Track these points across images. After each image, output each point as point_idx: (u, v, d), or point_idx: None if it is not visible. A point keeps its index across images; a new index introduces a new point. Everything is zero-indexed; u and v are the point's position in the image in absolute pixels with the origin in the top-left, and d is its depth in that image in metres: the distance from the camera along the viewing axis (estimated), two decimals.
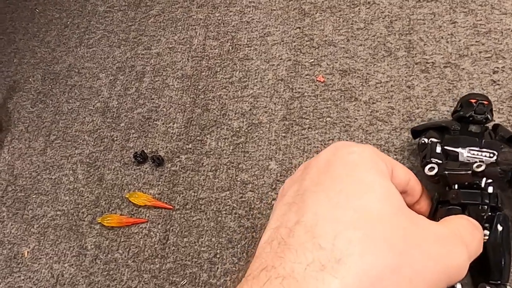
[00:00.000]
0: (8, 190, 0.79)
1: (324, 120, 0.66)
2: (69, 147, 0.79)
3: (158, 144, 0.73)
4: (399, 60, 0.66)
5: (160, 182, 0.70)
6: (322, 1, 0.75)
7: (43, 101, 0.87)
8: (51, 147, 0.81)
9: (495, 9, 0.65)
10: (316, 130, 0.65)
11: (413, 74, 0.65)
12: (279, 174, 0.64)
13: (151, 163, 0.71)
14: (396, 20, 0.69)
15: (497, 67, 0.61)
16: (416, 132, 0.52)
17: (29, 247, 0.72)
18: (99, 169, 0.75)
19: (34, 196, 0.77)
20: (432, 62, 0.64)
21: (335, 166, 0.27)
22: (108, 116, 0.80)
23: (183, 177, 0.69)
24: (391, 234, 0.23)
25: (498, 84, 0.60)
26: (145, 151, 0.73)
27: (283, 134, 0.67)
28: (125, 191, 0.71)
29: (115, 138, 0.77)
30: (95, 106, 0.82)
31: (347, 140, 0.63)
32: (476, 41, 0.64)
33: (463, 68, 0.62)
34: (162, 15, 0.87)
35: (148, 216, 0.67)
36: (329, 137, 0.64)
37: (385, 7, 0.71)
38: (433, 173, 0.36)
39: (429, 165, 0.37)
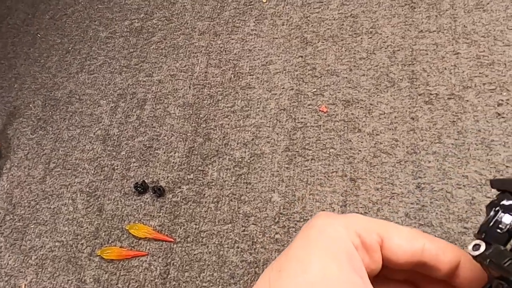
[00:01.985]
0: (6, 219, 0.78)
1: (328, 152, 0.65)
2: (69, 175, 0.78)
3: (159, 174, 0.72)
4: (403, 91, 0.66)
5: (161, 214, 0.69)
6: (324, 30, 0.76)
7: (43, 128, 0.86)
8: (50, 175, 0.80)
9: (497, 40, 0.65)
10: (320, 162, 0.65)
11: (416, 105, 0.64)
12: (282, 207, 0.63)
13: (152, 193, 0.70)
14: (399, 50, 0.69)
15: (502, 100, 0.60)
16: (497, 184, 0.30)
17: (27, 280, 0.71)
18: (99, 199, 0.74)
19: (32, 226, 0.76)
20: (436, 94, 0.64)
21: (292, 243, 0.26)
22: (109, 144, 0.79)
23: (184, 209, 0.68)
24: None
25: (503, 117, 0.59)
26: (146, 181, 0.72)
27: (286, 165, 0.66)
28: (125, 222, 0.70)
29: (116, 167, 0.76)
30: (95, 134, 0.81)
31: (351, 172, 0.62)
32: (480, 73, 0.63)
33: (467, 100, 0.62)
34: (164, 42, 0.87)
35: (149, 249, 0.66)
36: (332, 169, 0.64)
37: (387, 36, 0.71)
38: (476, 253, 0.24)
39: (474, 242, 0.25)
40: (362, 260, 0.24)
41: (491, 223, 0.24)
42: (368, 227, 0.25)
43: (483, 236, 0.24)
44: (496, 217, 0.24)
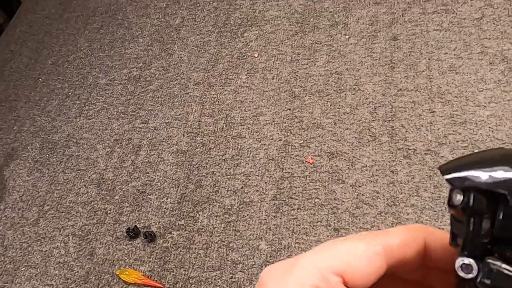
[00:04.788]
0: None
1: (313, 201, 0.69)
2: (62, 218, 0.80)
3: (151, 219, 0.75)
4: (383, 145, 0.70)
5: (151, 259, 0.71)
6: (311, 85, 0.81)
7: (39, 170, 0.89)
8: (44, 218, 0.82)
9: (469, 101, 0.70)
10: (305, 211, 0.68)
11: (396, 159, 0.68)
12: (268, 255, 0.66)
13: (143, 238, 0.72)
14: (380, 106, 0.75)
15: None
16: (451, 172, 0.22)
17: None
18: (91, 243, 0.76)
19: (23, 269, 0.76)
20: (414, 149, 0.69)
21: None
22: (103, 188, 0.82)
23: (174, 254, 0.70)
24: None
25: None
26: (138, 226, 0.74)
27: (273, 214, 0.69)
28: (116, 266, 0.72)
29: (109, 211, 0.78)
30: (90, 178, 0.84)
31: (335, 222, 0.66)
32: (454, 131, 0.68)
33: (443, 156, 0.67)
34: (160, 90, 0.92)
35: None
36: (317, 218, 0.67)
37: (369, 93, 0.77)
38: (469, 276, 0.21)
39: (460, 261, 0.21)
40: None
41: (474, 234, 0.20)
42: (323, 270, 0.23)
43: (467, 252, 0.21)
44: (475, 225, 0.20)
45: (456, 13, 0.80)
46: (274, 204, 0.70)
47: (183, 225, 0.72)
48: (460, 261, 0.20)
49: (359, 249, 0.22)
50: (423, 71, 0.76)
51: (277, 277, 0.23)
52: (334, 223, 0.66)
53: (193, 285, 0.66)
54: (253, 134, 0.79)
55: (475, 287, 0.20)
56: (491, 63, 0.72)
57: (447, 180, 0.20)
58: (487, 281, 0.19)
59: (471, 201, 0.20)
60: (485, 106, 0.69)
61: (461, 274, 0.20)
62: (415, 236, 0.23)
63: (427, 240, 0.23)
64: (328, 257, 0.23)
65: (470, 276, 0.20)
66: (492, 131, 0.66)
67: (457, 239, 0.21)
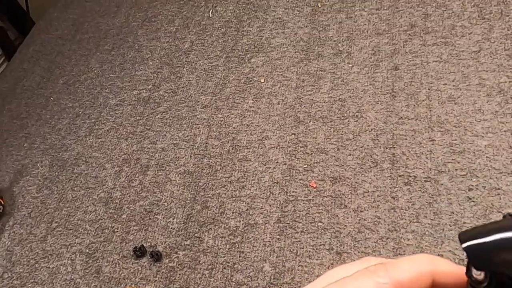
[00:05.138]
0: (4, 277, 0.80)
1: (316, 225, 0.71)
2: (70, 235, 0.82)
3: (158, 239, 0.77)
4: (384, 172, 0.73)
5: (157, 278, 0.72)
6: (315, 111, 0.84)
7: (48, 187, 0.91)
8: (52, 235, 0.83)
9: (467, 130, 0.73)
10: (309, 235, 0.70)
11: (397, 186, 0.71)
12: (272, 277, 0.67)
13: (149, 258, 0.74)
14: (381, 134, 0.77)
15: (472, 185, 0.68)
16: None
17: None
18: (98, 261, 0.77)
19: (30, 285, 0.78)
20: (414, 176, 0.71)
21: None
22: (111, 206, 0.84)
23: (179, 274, 0.71)
24: None
25: (474, 201, 0.66)
26: (145, 245, 0.76)
27: (277, 236, 0.71)
28: (122, 285, 0.73)
29: (116, 230, 0.80)
30: (99, 196, 0.86)
31: (337, 246, 0.67)
32: (453, 159, 0.71)
33: (442, 184, 0.69)
34: (169, 112, 0.95)
35: None
36: (320, 242, 0.69)
37: (371, 121, 0.79)
38: None
39: None
40: None
41: None
42: None
43: None
44: None
45: (455, 46, 0.83)
46: (278, 226, 0.72)
47: (188, 245, 0.74)
48: None
49: None
50: (423, 100, 0.79)
51: None
52: (337, 247, 0.67)
53: None
54: (258, 158, 0.81)
55: None
56: (488, 95, 0.75)
57: (469, 257, 0.20)
58: None
59: (493, 282, 0.20)
60: (482, 136, 0.72)
61: None
62: (423, 270, 0.24)
63: (435, 273, 0.23)
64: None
65: None
66: (490, 161, 0.69)
67: None
